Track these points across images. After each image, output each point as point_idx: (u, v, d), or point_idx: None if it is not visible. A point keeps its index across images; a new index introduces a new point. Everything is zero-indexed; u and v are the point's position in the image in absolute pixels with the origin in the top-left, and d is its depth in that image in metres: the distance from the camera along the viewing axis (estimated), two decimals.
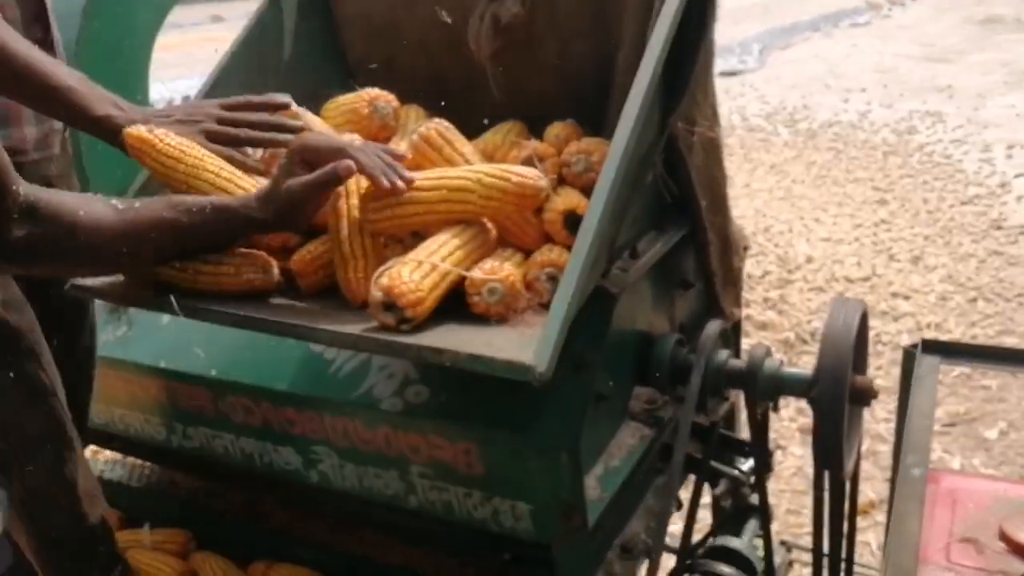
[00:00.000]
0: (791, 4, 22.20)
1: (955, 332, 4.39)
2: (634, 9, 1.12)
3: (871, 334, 4.80)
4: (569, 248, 0.99)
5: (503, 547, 1.20)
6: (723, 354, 1.31)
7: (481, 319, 0.99)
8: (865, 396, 1.23)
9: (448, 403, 1.15)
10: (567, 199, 1.09)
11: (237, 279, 1.06)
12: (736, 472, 1.38)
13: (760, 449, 1.40)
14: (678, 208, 1.34)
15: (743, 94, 11.14)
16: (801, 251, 5.47)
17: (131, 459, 1.72)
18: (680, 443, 1.25)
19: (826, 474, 1.29)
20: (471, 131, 1.23)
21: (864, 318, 1.25)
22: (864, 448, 3.14)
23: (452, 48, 1.28)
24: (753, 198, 6.79)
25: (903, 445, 1.26)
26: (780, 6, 21.71)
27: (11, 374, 1.08)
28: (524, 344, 0.86)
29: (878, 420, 3.43)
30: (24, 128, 1.18)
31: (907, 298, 4.95)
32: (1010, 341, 4.37)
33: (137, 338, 1.43)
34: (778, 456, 3.23)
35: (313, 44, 1.41)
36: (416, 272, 0.96)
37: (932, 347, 1.52)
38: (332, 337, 0.96)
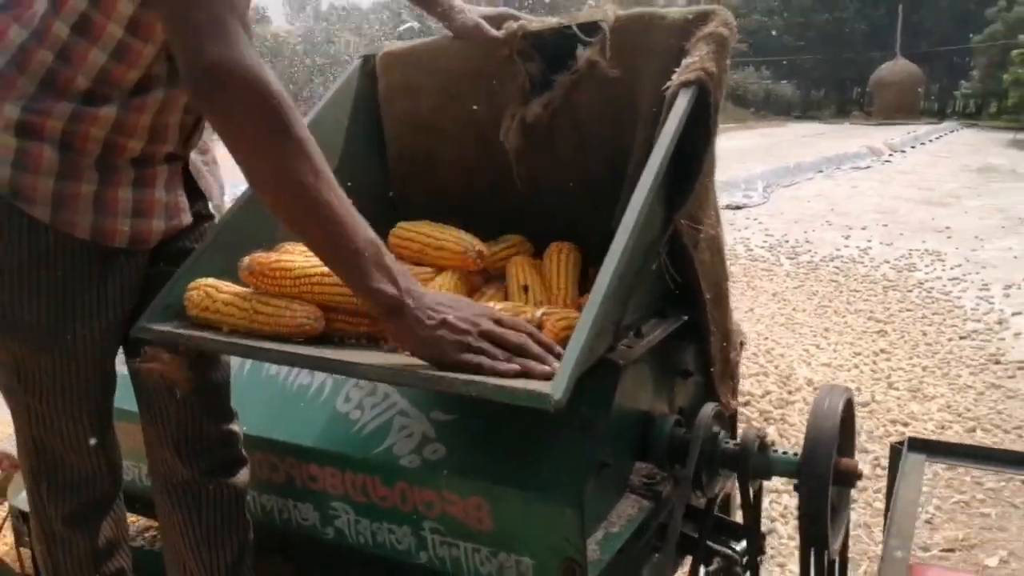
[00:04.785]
0: (795, 147, 23.17)
1: None
2: (644, 119, 1.28)
3: (869, 458, 4.80)
4: None
5: None
6: (718, 437, 1.41)
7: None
8: (850, 478, 1.31)
9: (462, 460, 1.25)
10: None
11: (292, 322, 1.17)
12: (729, 551, 1.45)
13: (752, 531, 1.47)
14: (681, 298, 1.47)
15: (748, 227, 11.47)
16: (801, 374, 5.56)
17: (143, 520, 1.79)
18: (676, 517, 1.32)
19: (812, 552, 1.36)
20: (495, 219, 1.38)
21: (849, 404, 1.35)
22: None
23: (482, 144, 1.44)
24: (756, 323, 6.93)
25: (887, 531, 1.33)
26: (784, 148, 22.65)
27: None
28: (540, 385, 0.96)
29: (877, 543, 3.43)
30: (152, 221, 1.30)
31: (906, 424, 4.98)
32: (1009, 471, 4.39)
33: None
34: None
35: (357, 138, 1.59)
36: None
37: (917, 445, 1.61)
38: (378, 372, 1.06)
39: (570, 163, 1.40)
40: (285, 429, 1.40)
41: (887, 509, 1.50)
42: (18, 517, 1.96)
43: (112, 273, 1.27)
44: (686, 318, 1.45)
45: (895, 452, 1.58)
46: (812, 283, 8.49)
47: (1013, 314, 7.19)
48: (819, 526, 1.27)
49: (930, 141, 28.31)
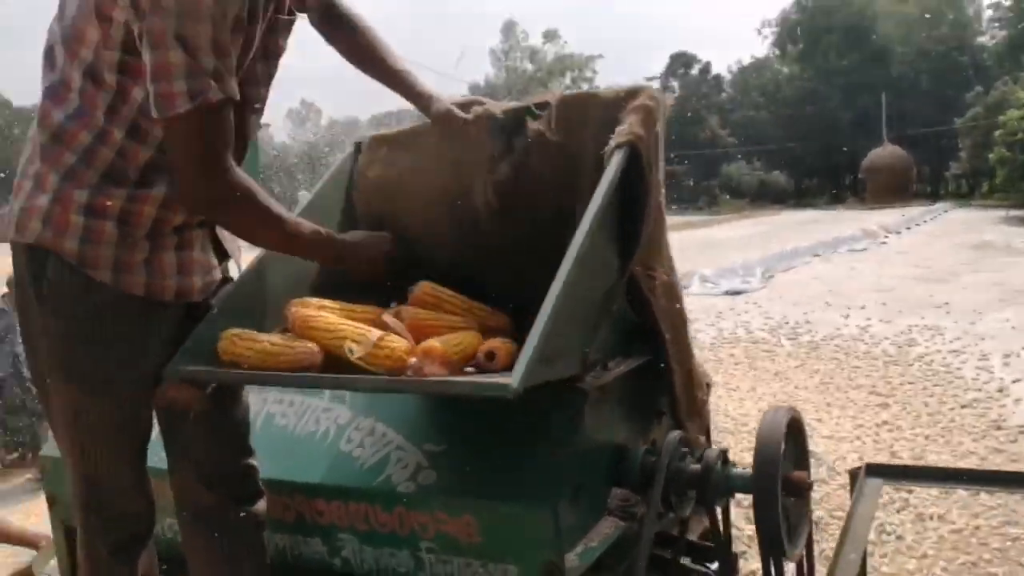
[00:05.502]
0: (792, 233, 23.57)
1: (958, 522, 4.46)
2: (589, 180, 1.51)
3: (875, 524, 4.85)
4: None
5: None
6: (683, 460, 1.56)
7: None
8: (799, 488, 1.46)
9: (452, 483, 1.41)
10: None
11: (295, 356, 1.40)
12: (703, 569, 1.58)
13: (724, 551, 1.60)
14: (644, 340, 1.66)
15: (747, 311, 11.59)
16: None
17: None
18: (646, 535, 1.47)
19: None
20: (458, 272, 1.62)
21: (795, 421, 1.51)
22: None
23: (447, 206, 1.72)
24: (758, 401, 7.02)
25: (843, 539, 1.48)
26: (781, 236, 23.03)
27: None
28: (501, 378, 1.16)
29: None
30: (193, 278, 1.55)
31: (910, 491, 5.04)
32: (1014, 532, 4.42)
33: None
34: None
35: (350, 210, 1.88)
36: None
37: (874, 470, 1.76)
38: (373, 384, 1.33)
39: (527, 216, 1.64)
40: (295, 471, 1.57)
41: (845, 525, 1.64)
42: None
43: (156, 326, 1.50)
44: (649, 358, 1.64)
45: (853, 477, 1.73)
46: (813, 362, 8.58)
47: (1013, 381, 7.27)
48: (774, 533, 1.41)
49: (924, 222, 28.70)
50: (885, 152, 45.78)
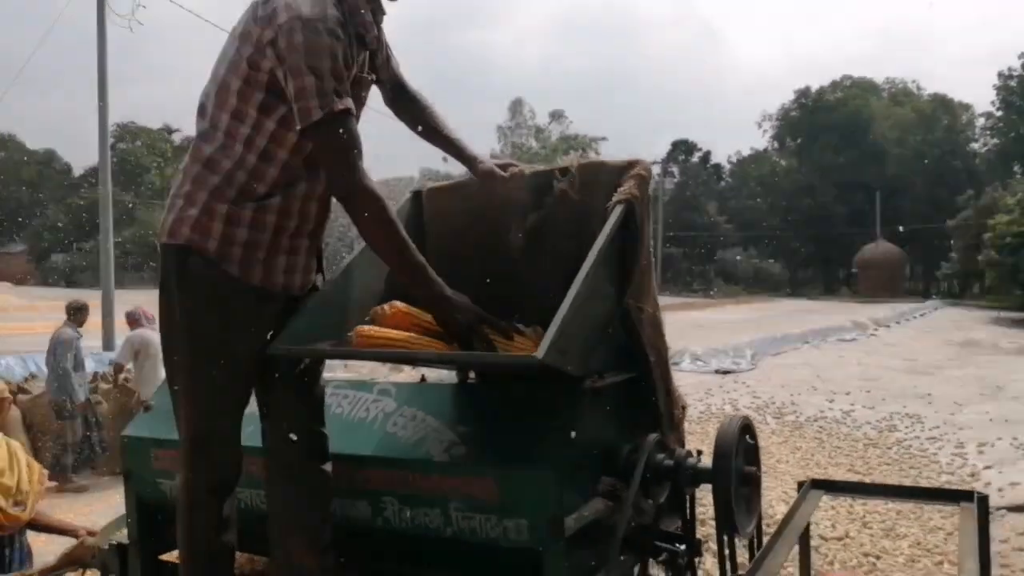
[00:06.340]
0: (784, 320, 24.02)
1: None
2: (599, 225, 1.96)
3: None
4: None
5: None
6: (659, 455, 1.97)
7: None
8: (750, 479, 1.85)
9: (479, 454, 1.82)
10: None
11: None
12: (672, 548, 1.96)
13: (690, 534, 1.98)
14: (633, 360, 2.08)
15: (736, 389, 11.92)
16: (780, 510, 5.94)
17: None
18: (624, 512, 1.86)
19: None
20: (495, 293, 2.04)
21: (747, 425, 1.91)
22: None
23: (495, 248, 2.17)
24: None
25: (778, 530, 1.86)
26: (773, 322, 23.48)
27: None
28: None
29: None
30: (295, 276, 2.01)
31: (878, 557, 5.35)
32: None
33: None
34: None
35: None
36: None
37: (819, 484, 2.16)
38: (428, 356, 1.79)
39: (550, 256, 2.10)
40: (348, 446, 1.98)
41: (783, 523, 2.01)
42: None
43: (265, 310, 1.95)
44: (635, 375, 2.06)
45: (800, 486, 2.12)
46: (796, 440, 8.91)
47: (985, 467, 7.60)
48: (728, 513, 1.80)
49: (915, 317, 29.09)
50: (879, 248, 46.70)
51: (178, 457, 1.98)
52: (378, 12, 2.01)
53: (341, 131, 1.78)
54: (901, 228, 46.45)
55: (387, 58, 2.17)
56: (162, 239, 1.94)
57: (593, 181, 2.04)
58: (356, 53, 1.91)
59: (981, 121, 54.58)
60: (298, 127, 1.79)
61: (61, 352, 7.65)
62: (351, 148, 1.80)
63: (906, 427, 9.60)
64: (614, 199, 1.89)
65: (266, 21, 1.81)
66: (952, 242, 40.78)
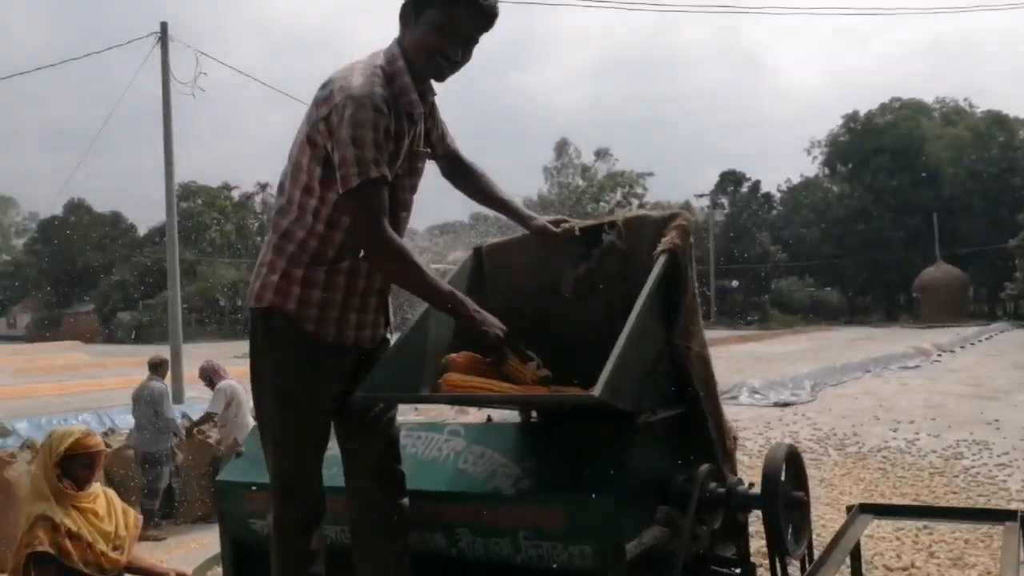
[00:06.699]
0: (843, 349, 23.56)
1: None
2: (644, 273, 2.13)
3: None
4: None
5: None
6: (711, 484, 2.11)
7: None
8: (798, 504, 1.98)
9: (546, 486, 1.99)
10: None
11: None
12: (729, 572, 2.09)
13: (744, 559, 2.11)
14: (683, 397, 2.24)
15: (796, 421, 11.72)
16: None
17: None
18: (683, 538, 2.01)
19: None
20: (547, 336, 2.23)
21: (792, 452, 2.04)
22: None
23: (548, 296, 2.37)
24: None
25: (829, 548, 1.98)
26: (833, 351, 23.04)
27: None
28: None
29: None
30: (366, 331, 2.23)
31: None
32: None
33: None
34: None
35: (459, 286, 2.44)
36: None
37: (868, 508, 2.27)
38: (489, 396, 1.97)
39: (600, 302, 2.29)
40: (423, 483, 2.17)
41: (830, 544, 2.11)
42: None
43: (339, 364, 2.17)
44: (684, 410, 2.22)
45: (849, 511, 2.23)
46: (859, 471, 8.74)
47: None
48: (778, 537, 1.94)
49: (979, 341, 28.15)
50: (939, 271, 45.48)
51: (268, 498, 2.19)
52: (428, 92, 2.22)
53: (373, 196, 1.98)
54: (961, 250, 45.30)
55: (442, 135, 2.40)
56: (250, 303, 2.19)
57: (638, 233, 2.24)
58: (407, 129, 2.12)
59: None
60: (340, 191, 2.00)
61: (154, 404, 8.09)
62: (377, 209, 1.99)
63: (973, 454, 9.32)
64: (659, 248, 2.08)
65: (323, 101, 2.05)
66: (1016, 262, 39.58)
